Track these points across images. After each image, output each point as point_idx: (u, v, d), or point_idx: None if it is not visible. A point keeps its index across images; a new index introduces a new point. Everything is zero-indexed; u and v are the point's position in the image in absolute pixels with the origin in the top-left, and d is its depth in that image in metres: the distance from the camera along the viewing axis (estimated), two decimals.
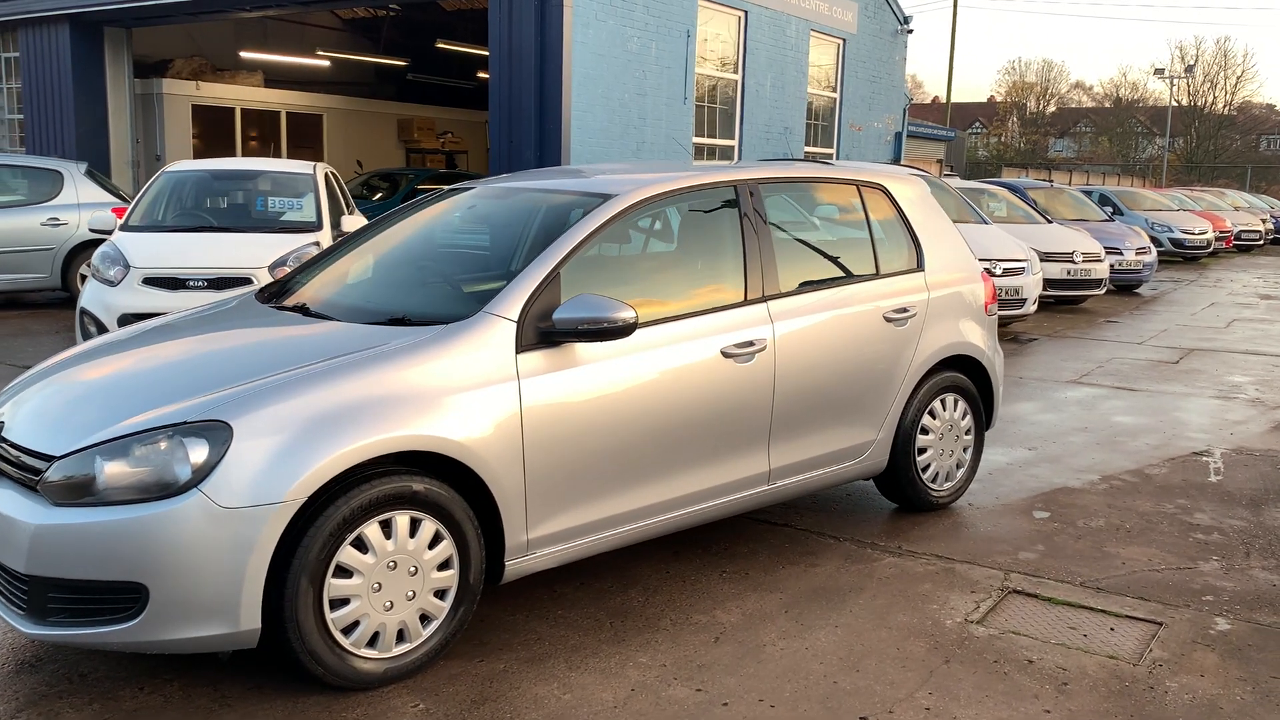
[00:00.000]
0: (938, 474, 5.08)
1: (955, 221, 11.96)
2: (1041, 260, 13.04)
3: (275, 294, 4.41)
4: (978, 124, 73.24)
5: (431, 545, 3.40)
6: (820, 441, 4.51)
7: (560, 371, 3.64)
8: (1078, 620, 3.90)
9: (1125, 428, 7.00)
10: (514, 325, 3.59)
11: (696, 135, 14.90)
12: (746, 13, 15.37)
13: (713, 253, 4.39)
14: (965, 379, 5.14)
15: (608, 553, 4.19)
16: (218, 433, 3.08)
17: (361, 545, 3.26)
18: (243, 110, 20.08)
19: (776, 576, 4.28)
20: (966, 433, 5.20)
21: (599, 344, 3.73)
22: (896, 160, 20.14)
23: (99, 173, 12.74)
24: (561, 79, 12.12)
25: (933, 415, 5.01)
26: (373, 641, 3.32)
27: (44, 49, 17.46)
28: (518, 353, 3.57)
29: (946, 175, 27.39)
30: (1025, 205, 15.43)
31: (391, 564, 3.31)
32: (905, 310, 4.79)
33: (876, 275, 4.81)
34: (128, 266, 7.37)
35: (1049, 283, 12.93)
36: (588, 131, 12.58)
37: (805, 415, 4.41)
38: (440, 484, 3.38)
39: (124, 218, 8.27)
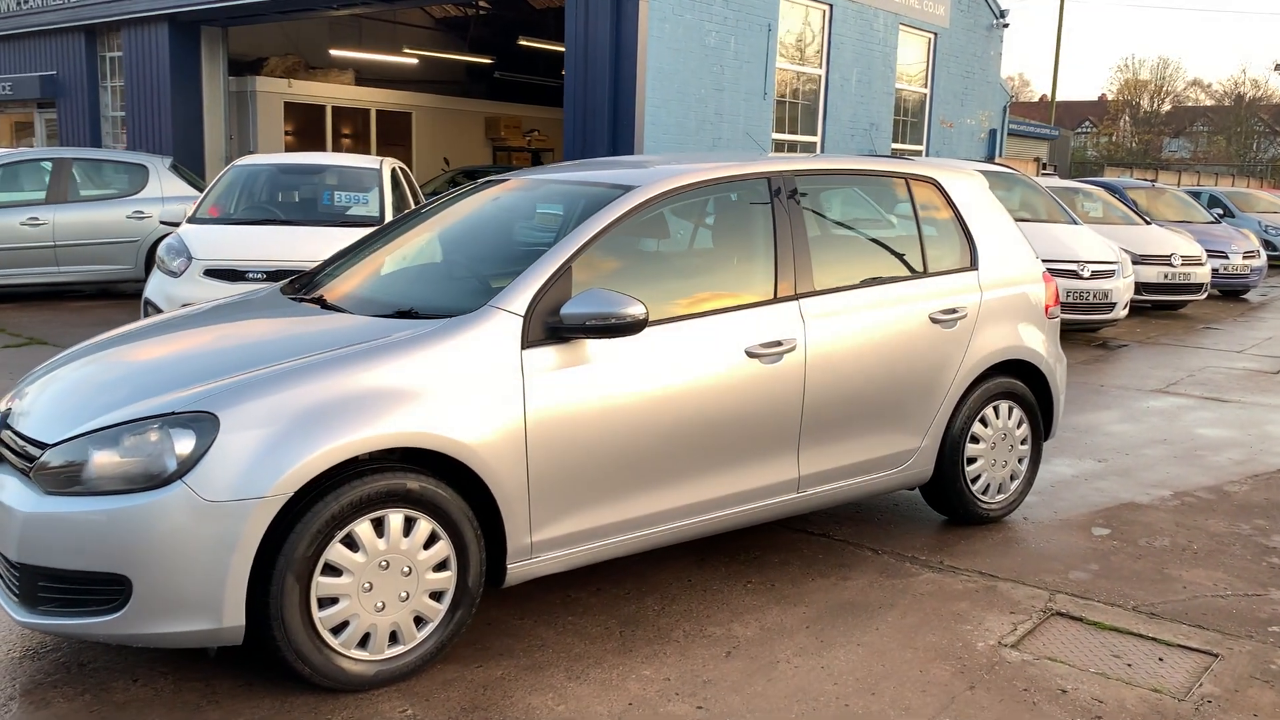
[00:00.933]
0: (989, 485, 4.80)
1: (1043, 221, 11.57)
2: (1136, 263, 12.47)
3: (302, 286, 4.36)
4: (1087, 123, 70.95)
5: (427, 545, 3.29)
6: (856, 449, 4.29)
7: (570, 369, 3.50)
8: (1123, 648, 3.61)
9: (1208, 441, 6.56)
10: (520, 320, 3.46)
11: (776, 131, 14.63)
12: (831, 6, 15.04)
13: (742, 247, 4.20)
14: (1021, 386, 4.84)
15: (627, 558, 4.05)
16: (205, 424, 3.02)
17: (352, 543, 3.16)
18: (334, 108, 20.44)
19: (804, 589, 4.07)
20: (1022, 443, 4.89)
21: (613, 341, 3.58)
22: (990, 158, 19.53)
23: (184, 167, 13.05)
24: (635, 74, 12.00)
25: (984, 423, 4.73)
26: (364, 642, 3.23)
27: (144, 48, 18.03)
28: (523, 348, 3.44)
29: (1044, 174, 26.54)
30: (1123, 206, 14.77)
31: (384, 563, 3.21)
32: (954, 311, 4.53)
33: (924, 274, 4.55)
34: (190, 258, 7.48)
35: (1144, 286, 12.34)
36: (661, 128, 12.43)
37: (839, 420, 4.19)
38: (437, 482, 3.27)
39: (193, 210, 8.42)
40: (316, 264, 7.09)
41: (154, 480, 2.97)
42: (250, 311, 4.09)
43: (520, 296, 3.49)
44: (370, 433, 3.12)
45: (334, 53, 21.05)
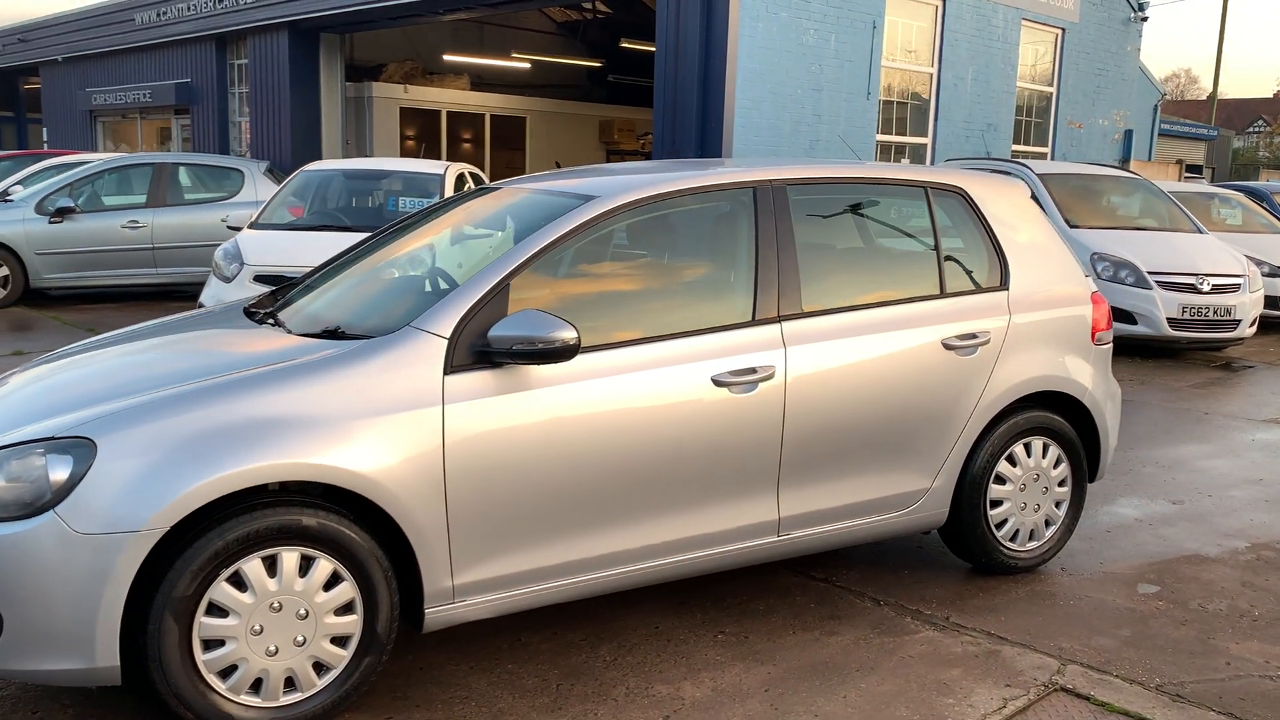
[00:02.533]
0: (1017, 531, 4.27)
1: (1164, 230, 10.66)
2: (1272, 275, 11.40)
3: (279, 299, 4.18)
4: (1260, 121, 66.58)
5: (328, 587, 3.04)
6: (851, 488, 3.85)
7: (502, 396, 3.20)
8: None
9: None
10: (445, 343, 3.17)
11: (882, 133, 14.00)
12: (944, 1, 14.30)
13: (717, 264, 3.83)
14: (1060, 420, 4.29)
15: (592, 599, 3.73)
16: (82, 450, 2.84)
17: (240, 583, 2.94)
18: (449, 113, 20.68)
19: (779, 644, 3.66)
20: (1060, 484, 4.35)
21: (555, 367, 3.27)
22: (1126, 161, 18.33)
23: (279, 171, 13.31)
24: (725, 74, 11.62)
25: (1012, 462, 4.21)
26: (256, 688, 3.00)
27: (267, 56, 18.59)
28: (446, 374, 3.16)
29: (1189, 178, 24.85)
30: (1269, 213, 13.58)
31: (276, 605, 2.97)
32: (974, 336, 4.03)
33: (940, 294, 4.07)
34: (242, 264, 7.50)
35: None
36: (752, 129, 12.00)
37: (829, 457, 3.77)
38: (338, 519, 3.02)
39: (257, 215, 8.47)
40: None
41: (28, 509, 2.81)
42: (196, 328, 3.93)
43: (446, 317, 3.21)
44: (258, 463, 2.89)
45: (447, 58, 21.29)
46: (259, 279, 7.39)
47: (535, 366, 3.24)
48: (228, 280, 7.48)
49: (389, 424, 3.06)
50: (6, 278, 11.12)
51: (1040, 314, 4.24)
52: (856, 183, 4.12)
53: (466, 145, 21.66)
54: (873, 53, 13.30)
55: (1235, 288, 9.72)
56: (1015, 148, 16.08)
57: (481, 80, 22.93)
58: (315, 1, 16.90)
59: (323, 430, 2.98)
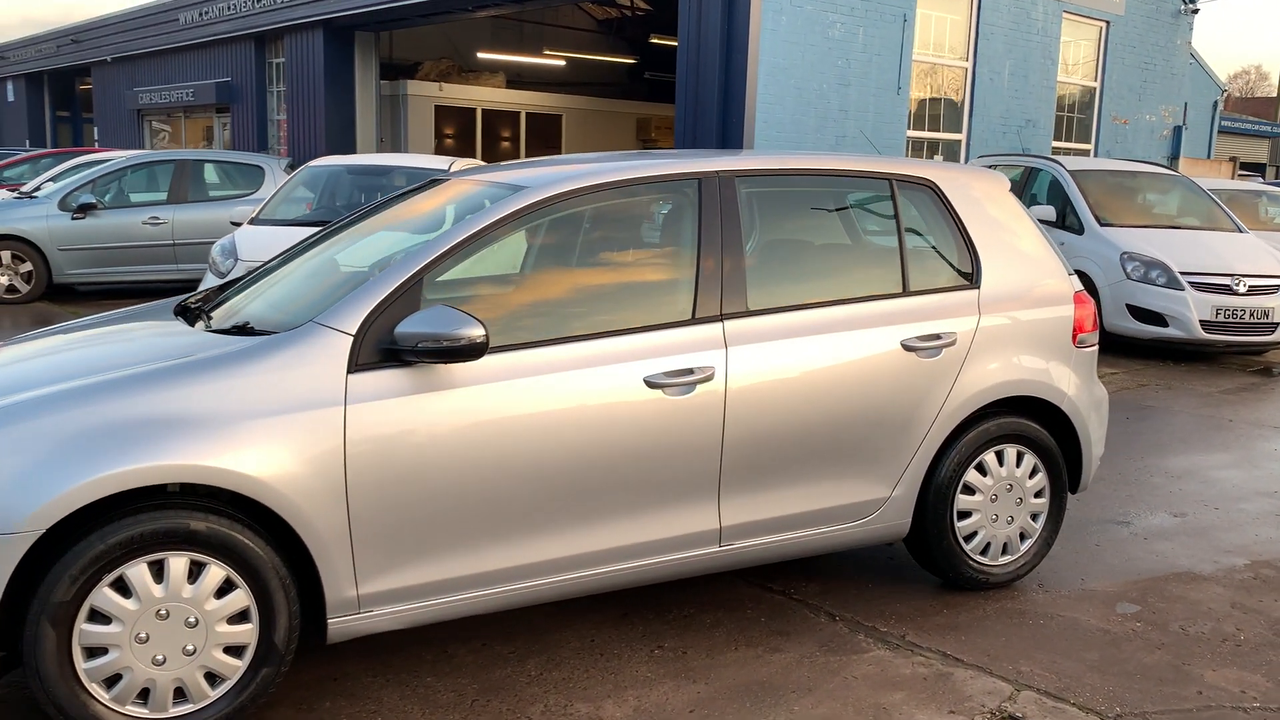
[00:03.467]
0: (989, 545, 4.03)
1: (1202, 229, 10.23)
2: None
3: (211, 298, 4.05)
4: None
5: (221, 594, 2.91)
6: (800, 497, 3.64)
7: (413, 397, 3.05)
8: None
9: None
10: (350, 340, 3.03)
11: (914, 129, 13.67)
12: None
13: (657, 260, 3.64)
14: (1036, 427, 4.04)
15: (532, 609, 3.57)
16: None
17: (124, 588, 2.81)
18: (484, 110, 20.66)
19: (717, 661, 3.47)
20: (1037, 495, 4.09)
21: (474, 366, 3.11)
22: (1175, 158, 17.76)
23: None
24: (746, 68, 11.39)
25: (982, 471, 3.97)
26: (144, 697, 2.88)
27: (302, 54, 18.70)
28: (350, 372, 3.01)
29: (1243, 175, 24.09)
30: None
31: (162, 612, 2.84)
32: (937, 338, 3.80)
33: (902, 293, 3.84)
34: (237, 259, 7.44)
35: None
36: (775, 125, 11.76)
37: (775, 464, 3.56)
38: (230, 523, 2.88)
39: (258, 210, 8.43)
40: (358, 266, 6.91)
41: None
42: (121, 322, 3.82)
43: (352, 313, 3.07)
44: (142, 464, 2.76)
45: (482, 55, 21.28)
46: None
47: (452, 365, 3.09)
48: (222, 276, 7.42)
49: (286, 424, 2.92)
50: (30, 273, 11.24)
51: (1015, 314, 3.99)
52: (813, 174, 3.90)
53: (503, 144, 21.65)
54: (903, 46, 12.97)
55: (1274, 289, 9.29)
56: (1055, 144, 15.64)
57: (521, 78, 22.92)
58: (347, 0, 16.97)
59: (214, 430, 2.85)
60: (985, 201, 4.10)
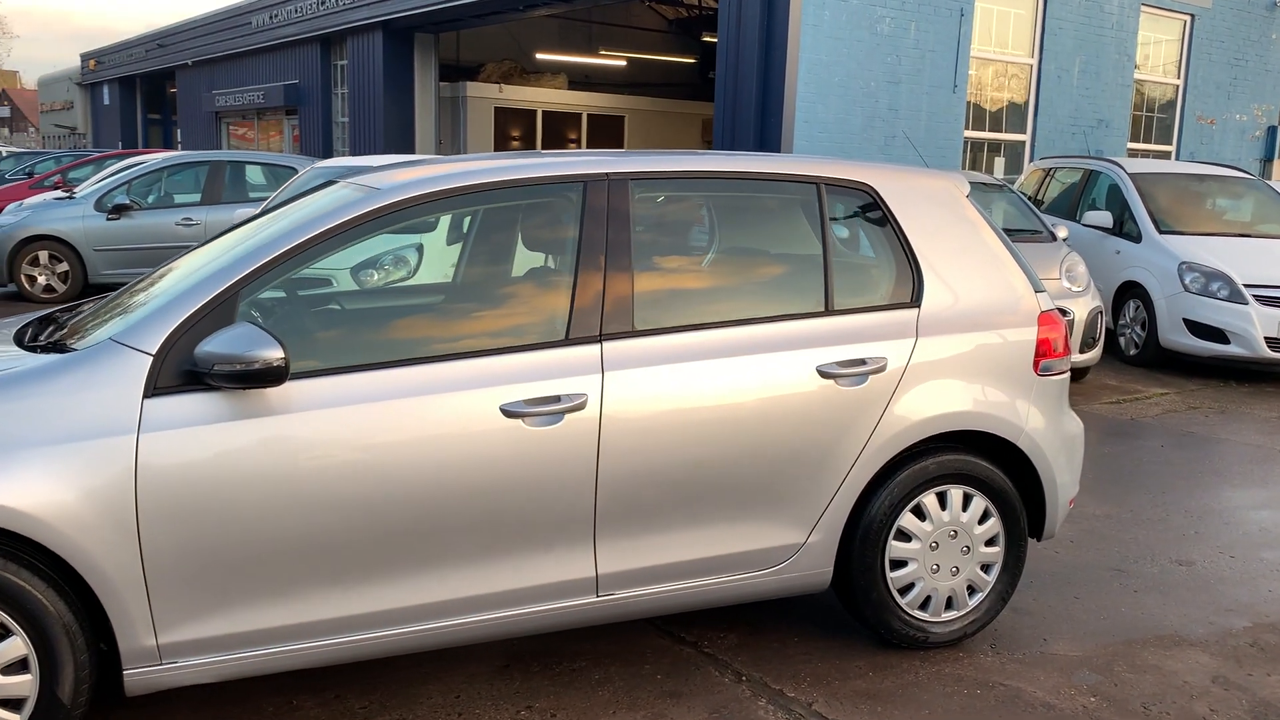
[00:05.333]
0: (929, 598, 3.54)
1: (1273, 237, 9.38)
2: None
3: (76, 310, 3.76)
4: None
5: None
6: (694, 542, 3.21)
7: (219, 425, 2.72)
8: None
9: None
10: (149, 360, 2.71)
11: (973, 129, 12.97)
12: None
13: (528, 272, 3.25)
14: (986, 466, 3.53)
15: (413, 655, 3.22)
16: None
17: None
18: (544, 112, 20.47)
19: None
20: (988, 543, 3.58)
21: (290, 390, 2.78)
22: (1268, 161, 16.62)
23: None
24: (786, 65, 10.89)
25: (920, 515, 3.49)
26: None
27: (363, 56, 18.74)
28: (148, 396, 2.69)
29: None
30: None
31: None
32: (862, 363, 3.33)
33: (825, 311, 3.38)
34: None
35: None
36: (817, 124, 11.23)
37: (661, 504, 3.14)
38: (3, 562, 2.59)
39: (260, 211, 8.25)
40: (340, 271, 6.67)
41: None
42: None
43: (153, 330, 2.75)
44: None
45: (541, 56, 21.09)
46: None
47: (266, 390, 2.75)
48: None
49: (71, 454, 2.61)
50: (66, 273, 11.34)
51: (962, 336, 3.49)
52: (723, 178, 3.46)
53: (568, 145, 21.44)
54: (960, 42, 12.31)
55: None
56: (1132, 146, 14.74)
57: (589, 80, 22.69)
58: (404, 1, 16.91)
59: None
60: (934, 208, 3.61)
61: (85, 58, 35.08)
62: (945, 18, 12.13)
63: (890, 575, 3.48)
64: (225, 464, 2.72)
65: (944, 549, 3.52)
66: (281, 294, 3.04)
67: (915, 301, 3.48)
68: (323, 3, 19.39)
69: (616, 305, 3.13)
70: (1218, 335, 8.50)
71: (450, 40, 20.89)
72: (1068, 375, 3.73)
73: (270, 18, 21.61)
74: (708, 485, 3.19)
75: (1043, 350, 3.61)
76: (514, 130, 20.42)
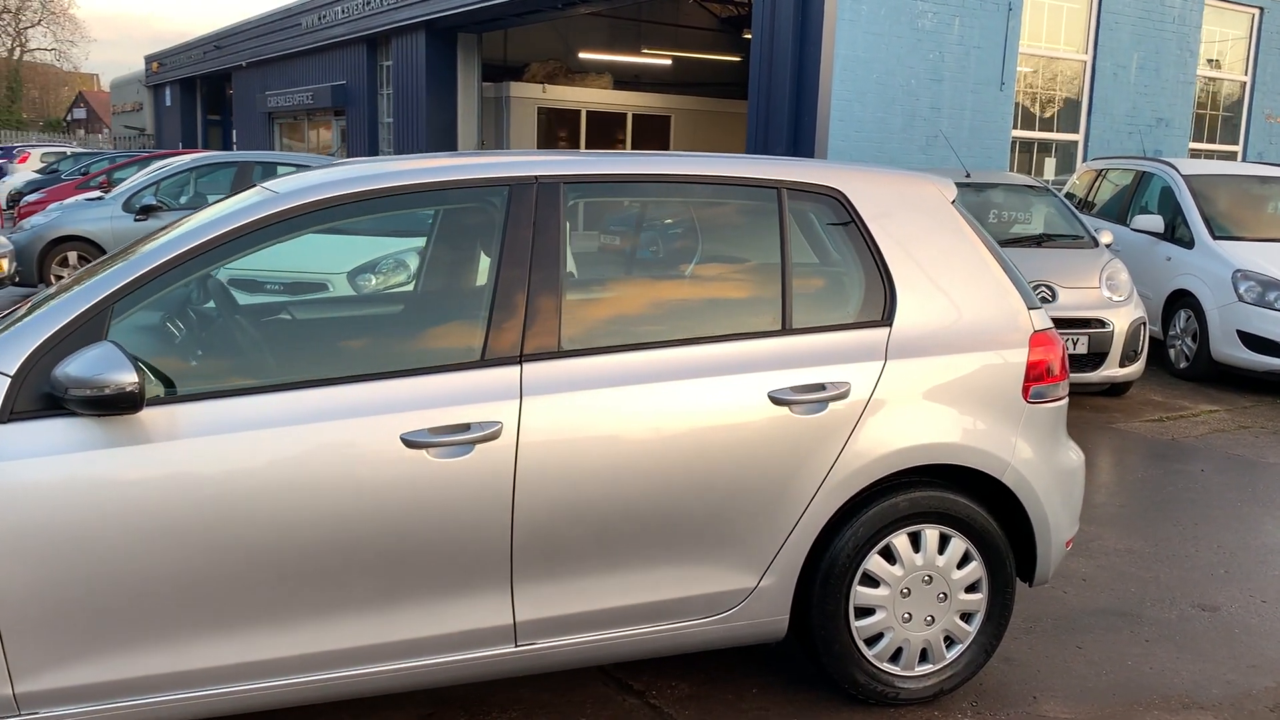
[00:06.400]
0: (900, 650, 3.17)
1: None
2: None
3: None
4: None
5: None
6: (628, 586, 2.89)
7: (82, 454, 2.47)
8: None
9: None
10: (8, 381, 2.47)
11: (1021, 129, 12.43)
12: None
13: (443, 286, 2.96)
14: (966, 504, 3.16)
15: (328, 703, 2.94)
16: None
17: None
18: (589, 112, 20.23)
19: None
20: (969, 590, 3.21)
21: (164, 416, 2.53)
22: None
23: None
24: (820, 61, 10.49)
25: (890, 558, 3.13)
26: None
27: (407, 57, 18.67)
28: (4, 421, 2.45)
29: None
30: None
31: None
32: (820, 388, 2.98)
33: (781, 330, 3.04)
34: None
35: None
36: (853, 124, 10.81)
37: (589, 545, 2.83)
38: None
39: None
40: (336, 275, 6.46)
41: None
42: None
43: (12, 350, 2.51)
44: None
45: (583, 56, 20.85)
46: (233, 283, 6.95)
47: (141, 416, 2.50)
48: None
49: None
50: None
51: (938, 359, 3.12)
52: (673, 182, 3.13)
53: (616, 146, 21.18)
54: (1007, 37, 11.78)
55: None
56: (1194, 146, 14.05)
57: (639, 79, 22.41)
58: (446, 0, 16.78)
59: None
60: (912, 215, 3.24)
61: (149, 60, 35.70)
62: (992, 12, 11.62)
63: (856, 624, 3.12)
64: (88, 496, 2.47)
65: (917, 596, 3.15)
66: (165, 310, 2.79)
67: (886, 320, 3.12)
68: (368, 3, 19.36)
69: (541, 323, 2.82)
70: (1274, 349, 7.94)
71: (498, 40, 20.75)
72: (1064, 402, 3.34)
73: (319, 18, 21.67)
74: (642, 524, 2.86)
75: (1034, 374, 3.22)
76: (560, 131, 20.22)
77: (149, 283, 2.62)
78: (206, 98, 33.03)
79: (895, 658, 3.18)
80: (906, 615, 3.15)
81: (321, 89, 22.01)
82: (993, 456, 3.15)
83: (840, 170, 3.25)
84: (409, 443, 2.65)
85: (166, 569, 2.52)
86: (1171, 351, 8.83)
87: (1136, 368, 7.42)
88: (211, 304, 2.97)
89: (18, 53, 58.24)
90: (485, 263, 2.89)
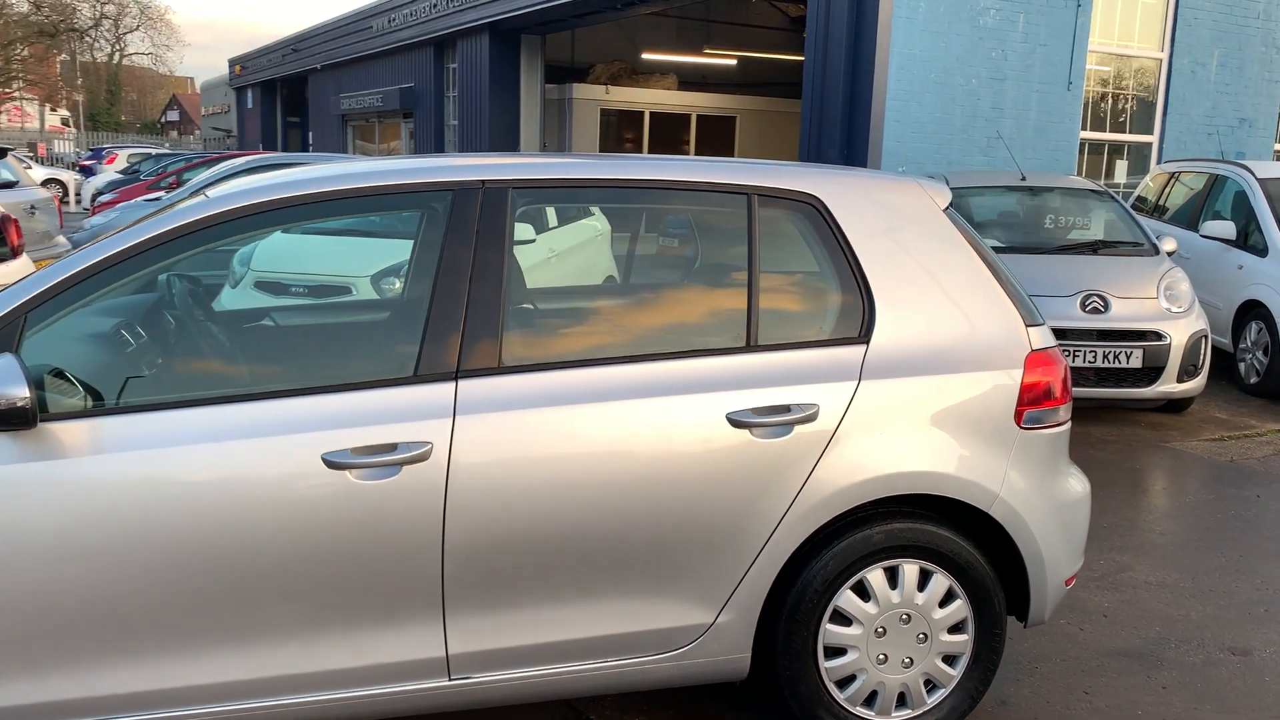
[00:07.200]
0: (875, 694, 2.94)
1: None
2: None
3: None
4: None
5: None
6: (573, 619, 2.71)
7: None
8: None
9: None
10: None
11: (1091, 130, 11.92)
12: None
13: (376, 296, 2.80)
14: (949, 537, 2.91)
15: None
16: None
17: None
18: (652, 113, 20.06)
19: None
20: (953, 630, 2.96)
21: (75, 431, 2.43)
22: None
23: None
24: (875, 60, 10.16)
25: (863, 594, 2.89)
26: None
27: (471, 58, 18.73)
28: None
29: None
30: None
31: None
32: (785, 409, 2.76)
33: (745, 347, 2.83)
34: (249, 267, 7.09)
35: None
36: (910, 124, 10.45)
37: (528, 575, 2.66)
38: None
39: None
40: (360, 279, 6.41)
41: None
42: None
43: None
44: None
45: (646, 56, 20.68)
46: (260, 285, 6.95)
47: (43, 428, 2.40)
48: (233, 287, 7.09)
49: None
50: None
51: (919, 380, 2.88)
52: (632, 188, 2.93)
53: (682, 148, 20.99)
54: (1076, 35, 11.30)
55: None
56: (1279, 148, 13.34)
57: (705, 79, 22.18)
58: (509, 2, 16.77)
59: None
60: (897, 224, 3.00)
61: (232, 63, 36.54)
62: (1059, 9, 11.15)
63: (825, 665, 2.90)
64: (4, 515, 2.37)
65: (894, 636, 2.91)
66: (91, 319, 2.69)
67: (863, 337, 2.88)
68: (434, 5, 19.47)
69: (480, 337, 2.66)
70: None
71: (564, 42, 20.72)
72: (1065, 428, 3.06)
73: (388, 21, 21.88)
74: (586, 554, 2.68)
75: (1029, 397, 2.96)
76: (625, 133, 20.09)
77: (64, 292, 2.52)
78: (286, 100, 33.67)
79: (870, 702, 2.95)
80: (882, 656, 2.92)
81: (390, 91, 22.21)
82: (979, 487, 2.89)
83: (817, 174, 3.02)
84: (330, 463, 2.51)
85: (68, 591, 2.42)
86: (1241, 365, 8.33)
87: (1196, 383, 6.98)
88: (139, 315, 2.87)
89: (117, 57, 60.26)
90: (423, 272, 2.73)
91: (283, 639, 2.55)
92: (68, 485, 2.40)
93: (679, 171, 2.92)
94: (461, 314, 2.66)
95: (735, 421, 2.73)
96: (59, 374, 2.50)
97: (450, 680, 2.67)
